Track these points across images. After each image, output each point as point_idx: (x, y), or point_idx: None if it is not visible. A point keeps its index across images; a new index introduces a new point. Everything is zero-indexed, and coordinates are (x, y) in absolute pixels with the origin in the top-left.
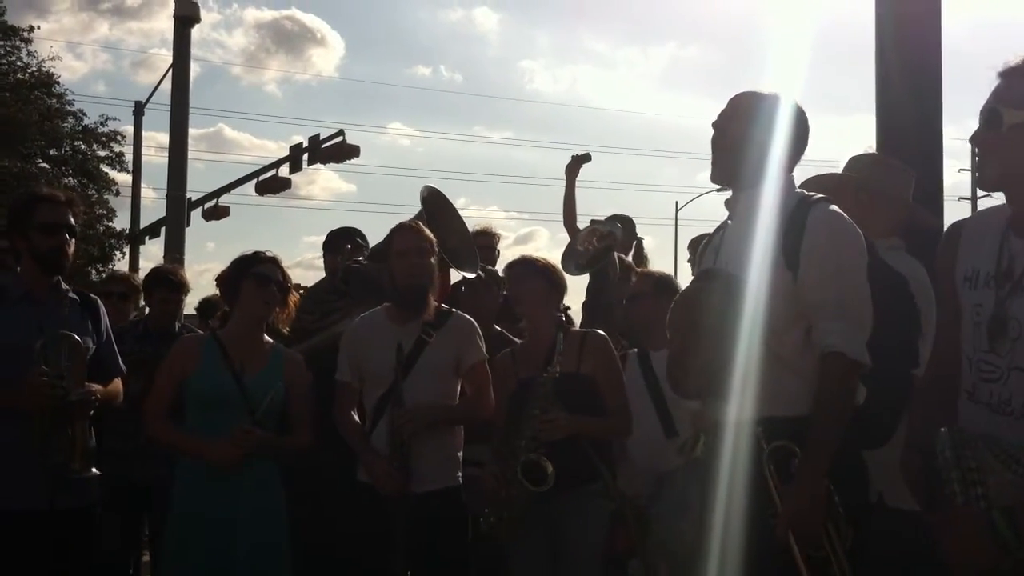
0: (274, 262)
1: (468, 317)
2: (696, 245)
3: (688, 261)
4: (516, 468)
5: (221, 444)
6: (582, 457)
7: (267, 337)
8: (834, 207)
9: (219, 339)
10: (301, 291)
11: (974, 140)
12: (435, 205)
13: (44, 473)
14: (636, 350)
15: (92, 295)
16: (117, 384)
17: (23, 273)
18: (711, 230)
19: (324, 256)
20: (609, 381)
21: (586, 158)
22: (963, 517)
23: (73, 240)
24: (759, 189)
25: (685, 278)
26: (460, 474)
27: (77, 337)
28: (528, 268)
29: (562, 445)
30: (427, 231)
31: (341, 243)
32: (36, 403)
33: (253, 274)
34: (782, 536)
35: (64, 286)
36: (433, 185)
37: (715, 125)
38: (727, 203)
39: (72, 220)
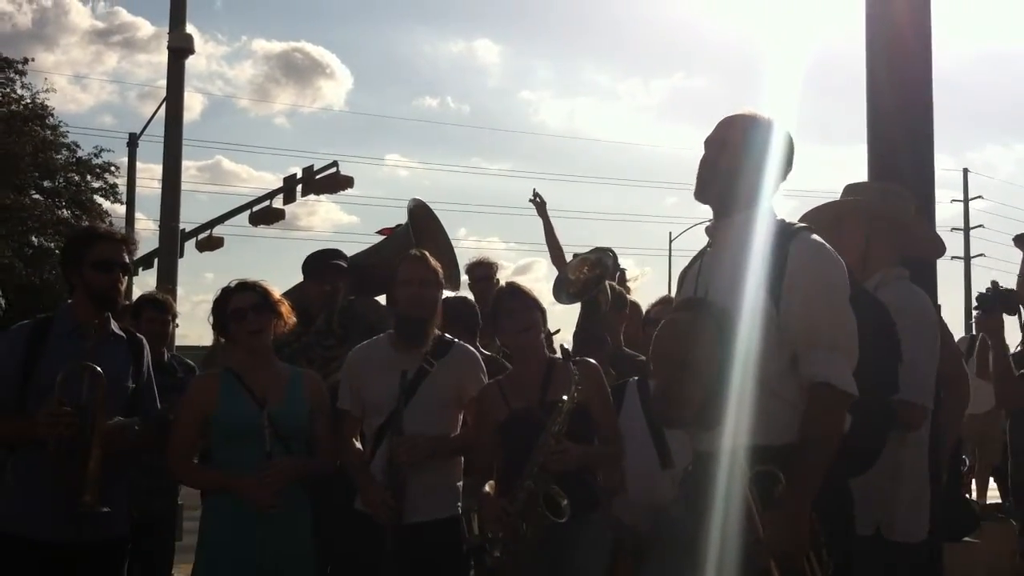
0: (243, 289)
1: (471, 348)
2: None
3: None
4: (538, 501)
5: (252, 483)
6: (584, 486)
7: (280, 362)
8: (816, 236)
9: (235, 371)
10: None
11: None
12: (421, 220)
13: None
14: (636, 379)
15: (138, 335)
16: (150, 427)
17: (74, 307)
18: None
19: (306, 282)
20: (602, 408)
21: (539, 198)
22: None
23: (126, 278)
24: (741, 216)
25: None
26: (459, 504)
27: (99, 369)
28: (527, 299)
29: (566, 474)
30: (433, 261)
31: (324, 268)
32: (51, 433)
33: (231, 313)
34: (764, 562)
35: (112, 323)
36: (421, 199)
37: (708, 144)
38: (707, 230)
39: (127, 258)
